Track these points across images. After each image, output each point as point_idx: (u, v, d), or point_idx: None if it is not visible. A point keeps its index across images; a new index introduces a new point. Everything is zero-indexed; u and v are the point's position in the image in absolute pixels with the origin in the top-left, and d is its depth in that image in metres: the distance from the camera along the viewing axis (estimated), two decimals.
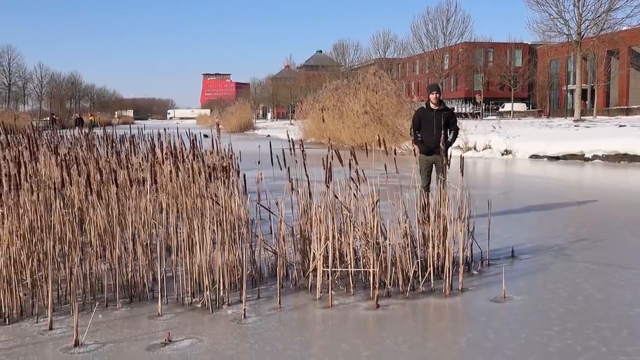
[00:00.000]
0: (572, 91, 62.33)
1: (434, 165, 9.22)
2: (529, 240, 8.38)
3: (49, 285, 5.27)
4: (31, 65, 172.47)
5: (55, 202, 6.46)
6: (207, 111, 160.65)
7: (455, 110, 65.09)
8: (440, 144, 7.86)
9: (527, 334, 4.97)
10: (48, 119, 39.83)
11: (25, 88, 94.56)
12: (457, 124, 9.64)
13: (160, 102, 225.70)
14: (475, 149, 24.96)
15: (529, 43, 79.04)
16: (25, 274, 5.71)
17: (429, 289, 6.11)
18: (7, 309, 5.36)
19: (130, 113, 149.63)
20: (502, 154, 24.07)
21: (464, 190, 6.68)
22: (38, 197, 6.41)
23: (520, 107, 75.73)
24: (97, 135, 12.59)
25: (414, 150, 8.96)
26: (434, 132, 9.04)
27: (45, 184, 6.88)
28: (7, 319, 5.33)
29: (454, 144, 9.74)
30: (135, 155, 9.68)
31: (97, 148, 10.89)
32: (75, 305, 5.06)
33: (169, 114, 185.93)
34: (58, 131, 14.63)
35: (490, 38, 79.66)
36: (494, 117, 60.63)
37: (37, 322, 5.30)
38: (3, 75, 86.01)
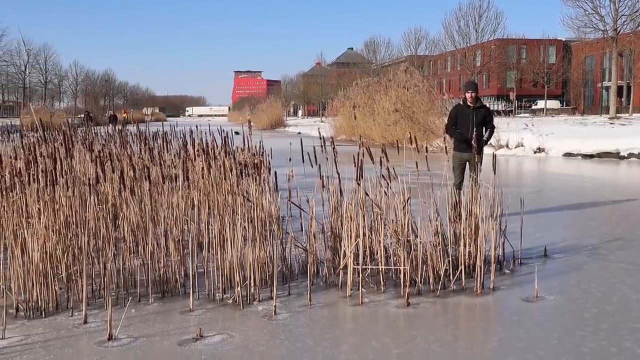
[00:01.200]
0: (607, 88, 61.29)
1: (467, 163, 9.15)
2: (562, 239, 8.27)
3: (83, 280, 5.35)
4: (67, 63, 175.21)
5: (90, 198, 6.56)
6: (225, 108, 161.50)
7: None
8: (473, 142, 7.81)
9: (560, 335, 4.90)
10: (82, 116, 40.40)
11: (60, 86, 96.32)
12: (494, 122, 9.55)
13: (192, 99, 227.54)
14: (507, 146, 24.69)
15: (563, 39, 77.83)
16: (61, 269, 5.82)
17: (460, 287, 6.07)
18: (43, 302, 5.47)
19: (195, 110, 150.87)
20: (535, 152, 23.77)
21: (496, 188, 6.62)
22: (73, 193, 6.51)
23: (553, 104, 74.69)
24: (130, 132, 12.75)
25: (446, 147, 8.91)
26: (470, 129, 8.97)
27: (80, 180, 6.99)
28: (43, 312, 5.44)
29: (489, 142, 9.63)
30: (167, 152, 9.79)
31: (130, 145, 11.02)
32: (109, 299, 5.14)
33: (187, 111, 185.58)
34: (92, 128, 14.85)
35: (523, 34, 78.58)
36: (527, 115, 59.92)
37: (72, 315, 5.40)
38: (40, 73, 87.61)
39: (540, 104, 74.38)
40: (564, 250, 7.63)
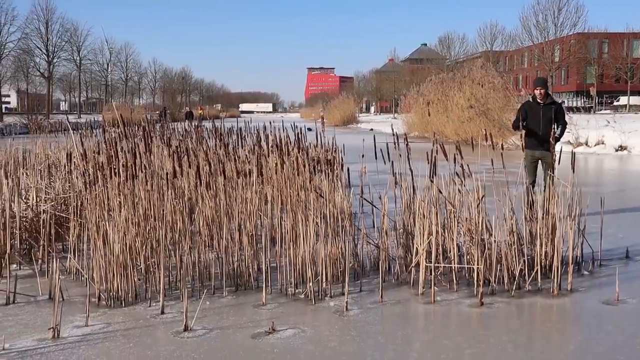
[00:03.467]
0: None
1: (540, 161, 8.92)
2: None
3: (161, 272, 5.52)
4: (146, 60, 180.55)
5: (167, 192, 6.75)
6: (269, 105, 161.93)
7: (566, 104, 62.09)
8: (551, 139, 7.61)
9: None
10: (159, 112, 41.59)
11: (140, 83, 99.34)
12: (566, 119, 9.25)
13: (266, 96, 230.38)
14: (587, 144, 23.88)
15: None
16: (140, 260, 6.01)
17: (536, 288, 5.93)
18: (123, 292, 5.67)
19: (242, 106, 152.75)
20: (617, 150, 22.89)
21: (575, 187, 6.42)
22: (152, 187, 6.71)
23: (637, 100, 71.62)
24: (206, 128, 13.02)
25: (522, 145, 8.70)
26: (540, 126, 8.75)
27: (158, 175, 7.19)
28: (123, 302, 5.64)
29: (562, 139, 9.33)
30: (242, 148, 9.94)
31: (206, 140, 11.26)
32: (185, 291, 5.28)
33: (240, 108, 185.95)
34: (170, 124, 15.25)
35: (605, 28, 75.67)
36: (608, 111, 57.77)
37: (149, 305, 5.57)
38: (121, 70, 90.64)
39: (623, 100, 71.50)
40: None
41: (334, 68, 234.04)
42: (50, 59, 64.99)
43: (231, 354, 4.53)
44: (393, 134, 7.40)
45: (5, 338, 4.73)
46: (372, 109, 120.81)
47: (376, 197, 6.80)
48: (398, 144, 7.06)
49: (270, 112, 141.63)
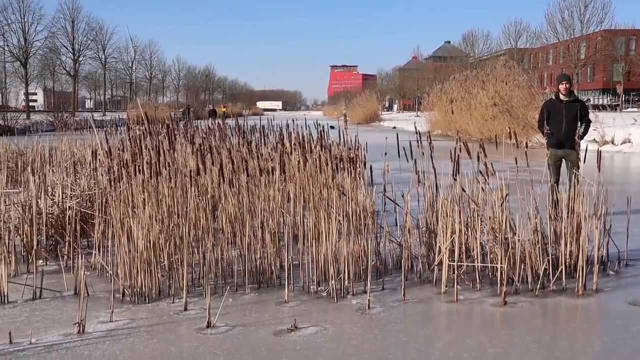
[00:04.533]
0: None
1: (563, 159, 8.83)
2: None
3: (184, 269, 5.56)
4: (170, 59, 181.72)
5: (191, 189, 6.79)
6: (279, 103, 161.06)
7: (592, 102, 61.33)
8: (576, 138, 7.53)
9: None
10: (183, 109, 41.88)
11: (164, 81, 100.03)
12: (589, 117, 9.14)
13: (289, 93, 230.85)
14: (613, 142, 23.57)
15: None
16: (163, 257, 6.06)
17: (560, 288, 5.87)
18: (146, 288, 5.72)
19: (277, 104, 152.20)
20: None
21: (600, 185, 6.34)
22: (175, 184, 6.76)
23: None
24: (229, 126, 13.08)
25: (546, 144, 8.62)
26: (563, 124, 8.67)
27: (182, 172, 7.24)
28: (146, 298, 5.69)
29: (586, 138, 9.21)
30: (265, 146, 9.97)
31: (229, 138, 11.31)
32: (208, 288, 5.31)
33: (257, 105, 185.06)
34: (193, 121, 15.33)
35: (633, 24, 74.75)
36: (635, 109, 56.92)
37: (173, 302, 5.61)
38: (145, 68, 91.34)
39: None
40: None
41: (356, 66, 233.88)
42: (76, 57, 65.76)
43: (253, 351, 4.55)
44: (416, 132, 7.36)
45: (32, 333, 4.80)
46: (395, 107, 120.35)
47: (399, 195, 6.77)
48: (421, 142, 7.03)
49: (280, 110, 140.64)
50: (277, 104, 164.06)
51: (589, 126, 9.09)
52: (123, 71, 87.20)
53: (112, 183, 6.79)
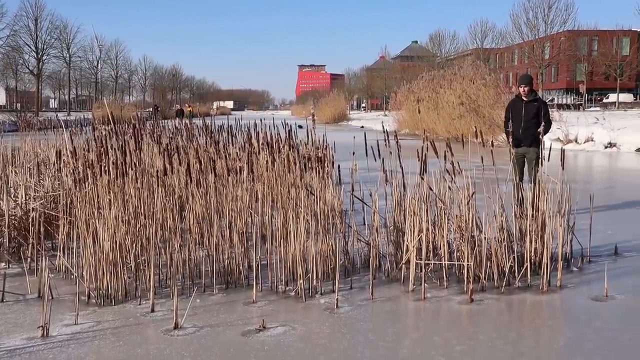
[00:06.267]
0: None
1: (525, 158, 8.96)
2: (635, 237, 7.97)
3: (151, 270, 5.50)
4: (136, 58, 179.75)
5: (158, 189, 6.73)
6: (231, 102, 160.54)
7: (556, 102, 62.13)
8: (540, 137, 7.64)
9: (631, 336, 4.75)
10: (150, 109, 41.48)
11: (130, 80, 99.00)
12: (550, 116, 9.22)
13: (256, 93, 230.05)
14: (576, 141, 24.00)
15: (639, 30, 74.94)
16: (130, 258, 5.99)
17: (526, 284, 5.95)
18: (113, 290, 5.65)
19: (229, 104, 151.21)
20: (606, 147, 23.01)
21: (564, 184, 6.45)
22: (142, 184, 6.69)
23: (626, 97, 72.05)
24: (197, 126, 12.98)
25: (509, 142, 8.71)
26: (521, 123, 8.79)
27: (149, 172, 7.17)
28: (112, 300, 5.62)
29: (547, 136, 9.33)
30: (232, 145, 9.92)
31: (196, 138, 11.23)
32: (175, 289, 5.27)
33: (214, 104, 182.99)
34: (160, 121, 15.20)
35: (595, 25, 75.91)
36: (598, 109, 58.02)
37: (139, 304, 5.56)
38: (111, 68, 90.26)
39: (612, 97, 71.85)
40: (636, 248, 7.37)
41: (325, 65, 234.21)
42: (39, 56, 64.67)
43: (221, 352, 4.52)
44: (384, 131, 7.40)
45: None
46: (363, 106, 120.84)
47: (367, 194, 6.80)
48: (388, 141, 7.07)
49: (232, 110, 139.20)
50: (229, 104, 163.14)
51: (550, 126, 9.16)
52: (88, 70, 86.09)
53: (77, 184, 6.69)
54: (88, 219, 6.11)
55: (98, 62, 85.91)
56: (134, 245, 6.07)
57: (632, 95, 75.19)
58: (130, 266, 5.98)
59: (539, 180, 6.60)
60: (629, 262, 6.84)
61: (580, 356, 4.39)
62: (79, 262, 5.93)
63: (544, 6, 62.88)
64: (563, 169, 6.53)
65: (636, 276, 6.36)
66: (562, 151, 6.71)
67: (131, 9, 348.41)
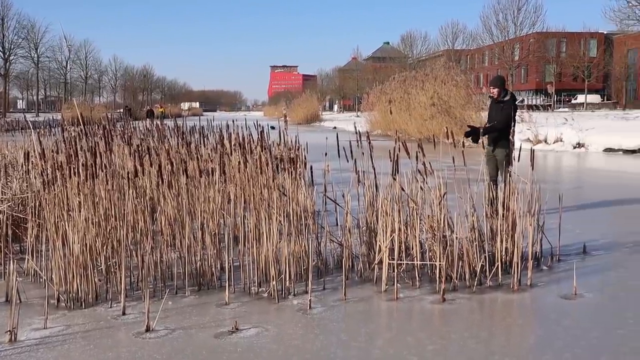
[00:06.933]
0: None
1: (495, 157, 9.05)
2: (602, 236, 8.10)
3: (122, 272, 5.44)
4: (106, 58, 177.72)
5: (128, 191, 6.66)
6: (197, 104, 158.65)
7: (526, 102, 62.66)
8: (480, 132, 7.75)
9: (599, 333, 4.82)
10: (121, 110, 41.08)
11: (100, 81, 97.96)
12: (510, 118, 9.10)
13: (229, 94, 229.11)
14: (545, 141, 24.30)
15: (605, 32, 76.25)
16: (100, 261, 5.92)
17: (497, 284, 6.01)
18: (83, 293, 5.58)
19: (195, 105, 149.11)
20: (574, 147, 23.34)
21: (534, 183, 6.53)
22: (112, 186, 6.62)
23: (594, 98, 73.23)
24: (168, 127, 12.89)
25: (482, 143, 8.81)
26: (492, 123, 8.90)
27: (119, 174, 7.10)
28: (83, 303, 5.55)
29: (517, 137, 9.37)
30: (204, 146, 9.87)
31: (168, 139, 11.15)
32: (147, 292, 5.22)
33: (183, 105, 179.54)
34: (131, 122, 15.07)
35: (563, 27, 77.05)
36: (566, 109, 58.88)
37: (110, 307, 5.49)
38: (80, 68, 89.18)
39: (580, 98, 72.99)
40: (603, 247, 7.49)
41: (297, 66, 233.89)
42: (6, 56, 63.73)
43: (193, 354, 4.49)
44: (356, 132, 7.42)
45: None
46: (336, 107, 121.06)
47: (339, 195, 6.81)
48: (361, 142, 7.09)
49: (204, 110, 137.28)
50: (196, 104, 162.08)
51: (502, 123, 8.84)
52: (57, 71, 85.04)
53: (46, 186, 6.60)
54: (57, 221, 6.03)
55: (67, 62, 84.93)
56: (105, 247, 5.99)
57: (599, 96, 76.42)
58: (101, 269, 5.91)
59: (509, 181, 6.67)
60: (597, 261, 6.95)
61: (550, 354, 4.45)
62: (48, 265, 5.85)
63: (514, 8, 63.68)
64: (533, 169, 6.61)
65: (604, 274, 6.46)
66: (532, 151, 6.79)
67: (101, 10, 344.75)
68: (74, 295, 5.56)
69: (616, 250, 7.37)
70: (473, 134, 8.74)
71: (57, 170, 6.63)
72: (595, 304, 5.56)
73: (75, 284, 5.55)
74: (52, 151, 8.22)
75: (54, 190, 6.51)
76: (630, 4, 45.51)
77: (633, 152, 21.35)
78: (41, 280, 6.01)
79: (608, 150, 22.22)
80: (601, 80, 76.32)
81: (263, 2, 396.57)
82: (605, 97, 76.55)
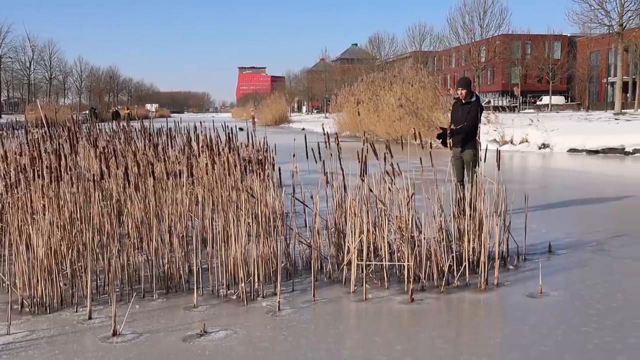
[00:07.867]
0: (612, 84, 61.16)
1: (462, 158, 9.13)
2: (567, 235, 8.25)
3: (88, 276, 5.36)
4: (71, 59, 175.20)
5: (94, 194, 6.57)
6: (155, 105, 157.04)
7: (493, 104, 63.40)
8: (448, 133, 7.79)
9: (564, 331, 4.90)
10: (88, 112, 40.52)
11: (65, 82, 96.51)
12: (478, 119, 9.17)
13: (196, 95, 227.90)
14: (512, 142, 24.65)
15: (569, 35, 77.63)
16: (65, 264, 5.83)
17: (464, 283, 6.07)
18: (47, 298, 5.48)
19: (154, 107, 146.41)
20: (540, 148, 23.71)
21: (500, 184, 6.61)
22: (78, 189, 6.52)
23: (558, 100, 74.47)
24: (135, 129, 12.76)
25: (449, 144, 8.85)
26: (457, 125, 8.96)
27: (85, 177, 7.00)
28: (47, 308, 5.45)
29: (486, 138, 9.49)
30: (172, 148, 9.79)
31: (134, 141, 11.03)
32: (114, 295, 5.16)
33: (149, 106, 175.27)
34: (97, 124, 14.87)
35: (528, 30, 78.54)
36: (532, 111, 59.77)
37: (76, 311, 5.41)
38: (45, 69, 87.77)
39: (545, 99, 74.15)
40: (568, 246, 7.62)
41: (265, 67, 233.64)
42: None
43: (161, 358, 4.45)
44: (324, 134, 7.43)
45: None
46: (304, 108, 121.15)
47: (308, 196, 6.81)
48: (329, 143, 7.10)
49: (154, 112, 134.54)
50: (155, 106, 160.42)
51: (469, 125, 8.88)
52: (20, 72, 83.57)
53: (9, 189, 6.47)
54: (21, 225, 5.92)
55: (30, 63, 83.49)
56: (70, 251, 5.90)
57: (563, 97, 77.75)
58: (66, 273, 5.82)
59: (476, 181, 6.74)
60: (562, 259, 7.06)
61: (516, 352, 4.50)
62: (11, 269, 5.73)
63: (480, 10, 64.60)
64: (499, 169, 6.69)
65: (569, 273, 6.57)
66: (498, 152, 6.88)
67: (65, 10, 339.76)
68: (38, 300, 5.46)
69: (580, 249, 7.49)
70: (444, 136, 8.79)
71: (20, 173, 6.51)
72: (560, 302, 5.65)
73: (40, 289, 5.45)
74: (15, 153, 8.07)
75: (17, 193, 6.39)
76: (592, 8, 46.47)
77: (596, 152, 21.76)
78: (4, 285, 5.89)
79: (572, 150, 22.61)
80: (565, 82, 77.73)
81: (230, 3, 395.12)
82: (569, 99, 77.92)
